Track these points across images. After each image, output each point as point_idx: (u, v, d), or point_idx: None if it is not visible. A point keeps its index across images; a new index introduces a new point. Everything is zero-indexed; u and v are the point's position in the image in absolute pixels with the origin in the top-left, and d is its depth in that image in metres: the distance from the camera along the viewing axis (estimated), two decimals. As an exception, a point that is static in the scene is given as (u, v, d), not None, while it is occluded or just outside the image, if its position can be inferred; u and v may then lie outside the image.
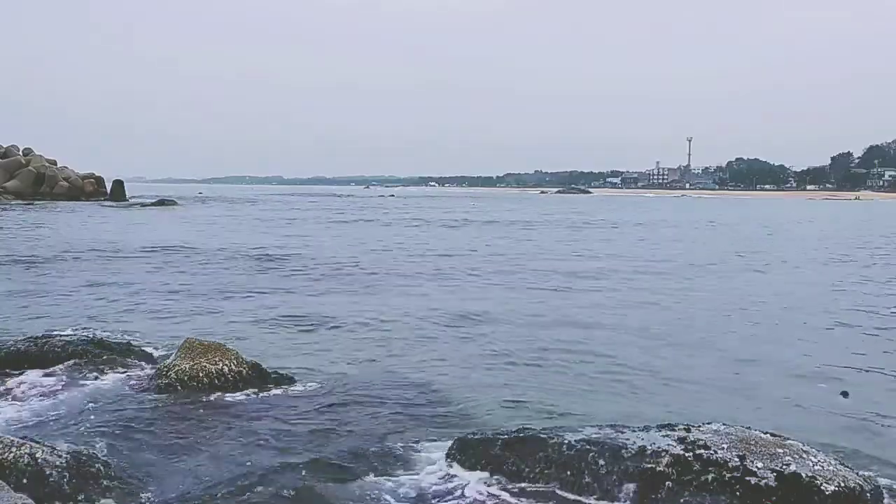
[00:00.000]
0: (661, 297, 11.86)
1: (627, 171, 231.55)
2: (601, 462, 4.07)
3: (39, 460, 3.91)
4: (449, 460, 4.52)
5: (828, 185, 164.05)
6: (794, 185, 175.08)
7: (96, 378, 6.34)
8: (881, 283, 14.26)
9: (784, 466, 3.84)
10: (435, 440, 4.99)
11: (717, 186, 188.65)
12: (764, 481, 3.77)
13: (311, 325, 9.08)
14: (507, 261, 17.54)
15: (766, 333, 9.05)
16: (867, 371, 7.16)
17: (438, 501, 4.14)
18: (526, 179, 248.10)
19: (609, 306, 10.91)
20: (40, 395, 5.90)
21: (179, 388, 5.78)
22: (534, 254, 19.71)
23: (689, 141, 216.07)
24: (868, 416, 5.77)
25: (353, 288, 12.47)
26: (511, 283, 13.58)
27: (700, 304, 11.25)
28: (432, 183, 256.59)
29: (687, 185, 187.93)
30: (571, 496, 4.03)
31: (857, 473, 3.97)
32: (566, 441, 4.25)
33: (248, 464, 4.54)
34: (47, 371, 6.41)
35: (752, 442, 4.06)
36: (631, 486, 3.95)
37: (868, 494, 3.82)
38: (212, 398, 5.77)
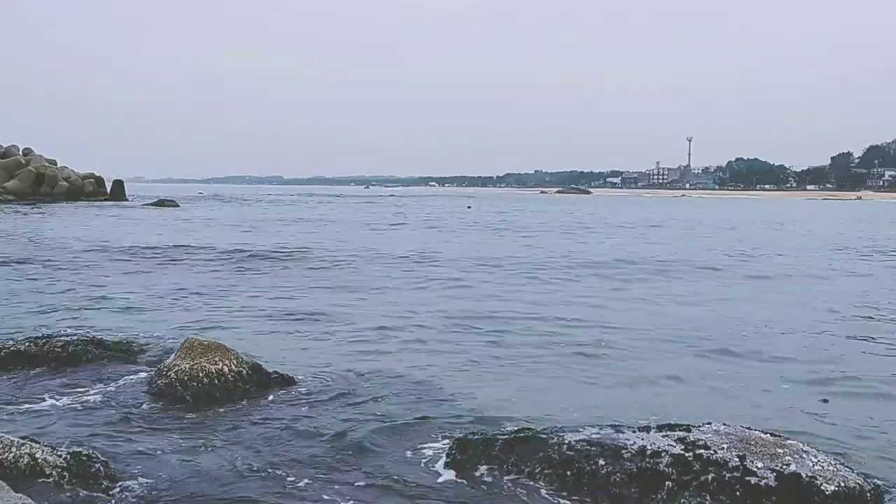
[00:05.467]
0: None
1: (627, 172, 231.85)
2: (601, 462, 4.08)
3: (39, 460, 3.91)
4: (449, 461, 4.53)
5: (828, 185, 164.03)
6: (795, 185, 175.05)
7: (96, 378, 6.34)
8: None
9: (784, 466, 3.84)
10: (435, 440, 4.99)
11: (717, 186, 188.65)
12: (764, 481, 3.78)
13: (313, 325, 9.08)
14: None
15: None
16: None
17: (438, 502, 4.14)
18: (526, 179, 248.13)
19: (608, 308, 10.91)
20: (40, 396, 5.90)
21: (179, 388, 5.77)
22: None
23: (689, 141, 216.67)
24: (859, 417, 5.77)
25: (356, 288, 12.46)
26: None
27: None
28: (432, 183, 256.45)
29: (687, 185, 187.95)
30: (572, 496, 4.03)
31: (857, 473, 3.98)
32: (566, 441, 4.25)
33: (248, 464, 4.54)
34: (47, 372, 6.41)
35: (752, 442, 4.06)
36: (631, 486, 3.95)
37: (868, 494, 3.82)
38: (212, 399, 5.76)
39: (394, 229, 30.45)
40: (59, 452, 4.10)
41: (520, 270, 15.34)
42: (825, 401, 6.17)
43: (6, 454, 3.86)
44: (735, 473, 3.83)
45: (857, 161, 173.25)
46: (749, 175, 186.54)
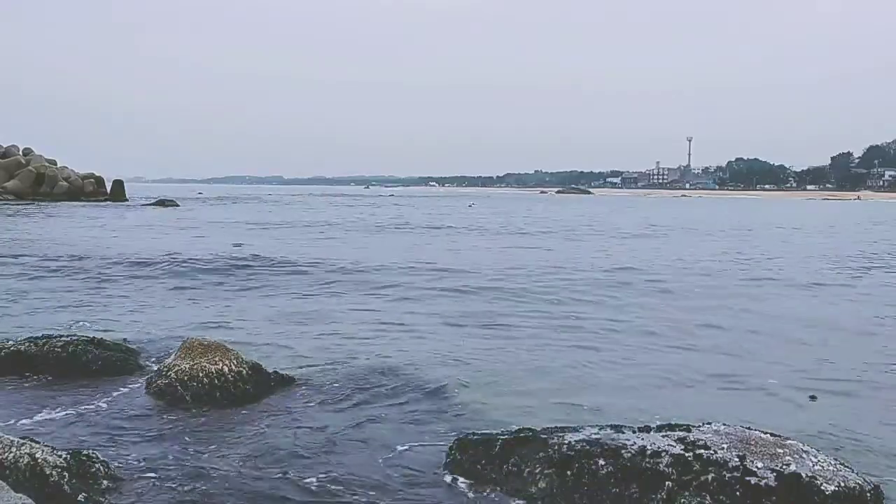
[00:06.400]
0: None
1: (627, 172, 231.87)
2: (601, 462, 4.07)
3: (39, 460, 3.91)
4: (449, 461, 4.53)
5: (828, 185, 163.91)
6: (794, 185, 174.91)
7: (96, 378, 6.34)
8: None
9: (784, 466, 3.84)
10: (435, 440, 4.99)
11: (717, 186, 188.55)
12: (764, 481, 3.77)
13: (314, 326, 9.08)
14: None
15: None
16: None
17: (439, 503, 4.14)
18: (526, 179, 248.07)
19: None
20: (40, 396, 5.90)
21: (179, 388, 5.77)
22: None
23: (689, 141, 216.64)
24: (859, 416, 5.77)
25: (358, 290, 12.46)
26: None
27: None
28: (432, 183, 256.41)
29: (687, 185, 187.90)
30: (572, 496, 4.03)
31: (857, 473, 3.97)
32: (566, 441, 4.25)
33: (247, 464, 4.54)
34: (47, 372, 6.41)
35: (752, 442, 4.06)
36: (631, 486, 3.95)
37: (868, 494, 3.82)
38: (211, 399, 5.76)
39: (397, 230, 30.45)
40: (59, 452, 4.09)
41: (526, 273, 15.34)
42: (813, 397, 6.26)
43: (6, 454, 3.86)
44: (735, 473, 3.83)
45: (857, 161, 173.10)
46: (749, 175, 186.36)
